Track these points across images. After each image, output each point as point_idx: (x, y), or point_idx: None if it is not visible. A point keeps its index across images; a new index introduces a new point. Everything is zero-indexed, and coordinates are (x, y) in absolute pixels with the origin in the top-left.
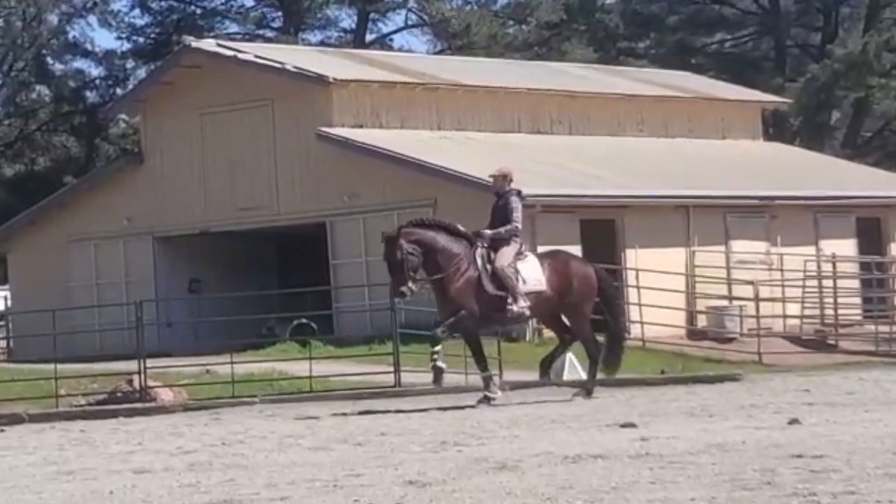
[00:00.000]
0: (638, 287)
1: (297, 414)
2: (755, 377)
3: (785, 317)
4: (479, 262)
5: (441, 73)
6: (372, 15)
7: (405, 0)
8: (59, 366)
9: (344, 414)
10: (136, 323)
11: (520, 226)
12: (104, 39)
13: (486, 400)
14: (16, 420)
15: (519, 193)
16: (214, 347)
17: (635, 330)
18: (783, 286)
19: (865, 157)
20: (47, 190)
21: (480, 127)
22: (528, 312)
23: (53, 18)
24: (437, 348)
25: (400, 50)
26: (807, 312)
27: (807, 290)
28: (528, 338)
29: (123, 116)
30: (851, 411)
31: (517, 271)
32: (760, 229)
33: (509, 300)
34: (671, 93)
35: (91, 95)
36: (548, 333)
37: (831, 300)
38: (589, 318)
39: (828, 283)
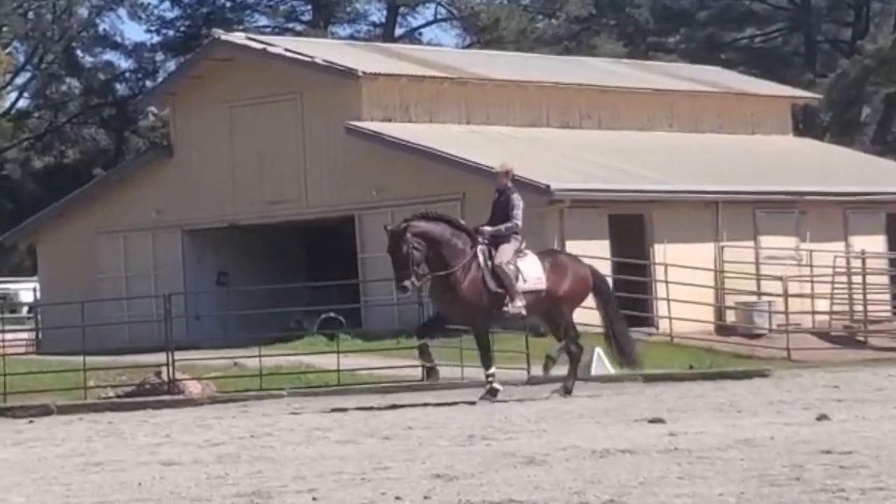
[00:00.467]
0: (666, 282)
1: (325, 407)
2: (784, 373)
3: (814, 313)
4: (480, 259)
5: (470, 68)
6: (401, 9)
7: None
8: (88, 358)
9: (371, 407)
10: (164, 315)
11: (520, 223)
12: (134, 32)
13: (493, 394)
14: (44, 411)
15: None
16: (242, 340)
17: (664, 325)
18: (812, 282)
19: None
20: (77, 182)
21: (509, 121)
22: (524, 312)
23: (83, 11)
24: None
25: (429, 44)
26: (836, 308)
27: (836, 286)
28: None
29: (153, 109)
30: (880, 407)
31: (518, 269)
32: (790, 225)
33: (506, 299)
34: (701, 88)
35: (121, 88)
36: None
37: (860, 296)
38: (572, 317)
39: (857, 279)
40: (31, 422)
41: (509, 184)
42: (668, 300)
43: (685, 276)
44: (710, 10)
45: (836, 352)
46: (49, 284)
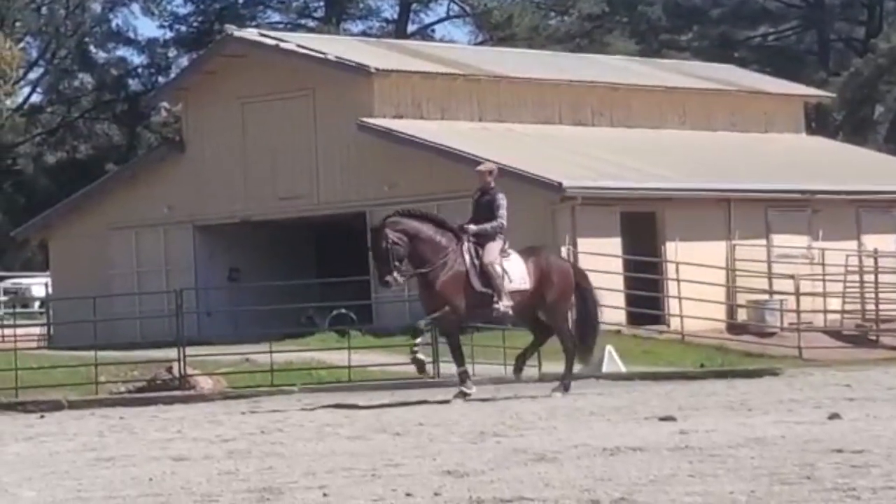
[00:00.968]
0: (678, 280)
1: (336, 403)
2: (795, 372)
3: (826, 311)
4: (466, 257)
5: (482, 65)
6: (414, 5)
7: None
8: (99, 353)
9: (382, 404)
10: (175, 311)
11: (505, 223)
12: (147, 28)
13: (462, 395)
14: (56, 406)
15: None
16: (254, 336)
17: (675, 323)
18: (824, 281)
19: None
20: (89, 178)
21: (521, 119)
22: (511, 311)
23: (96, 6)
24: (418, 340)
25: (441, 41)
26: (848, 307)
27: (848, 284)
28: None
29: (165, 105)
30: (892, 406)
31: (504, 269)
32: (802, 223)
33: (495, 298)
34: (713, 86)
35: (133, 84)
36: None
37: (872, 295)
38: (567, 315)
39: (869, 278)
40: (42, 416)
41: (493, 183)
42: (680, 298)
43: (697, 275)
44: (723, 7)
45: (848, 350)
46: (61, 279)
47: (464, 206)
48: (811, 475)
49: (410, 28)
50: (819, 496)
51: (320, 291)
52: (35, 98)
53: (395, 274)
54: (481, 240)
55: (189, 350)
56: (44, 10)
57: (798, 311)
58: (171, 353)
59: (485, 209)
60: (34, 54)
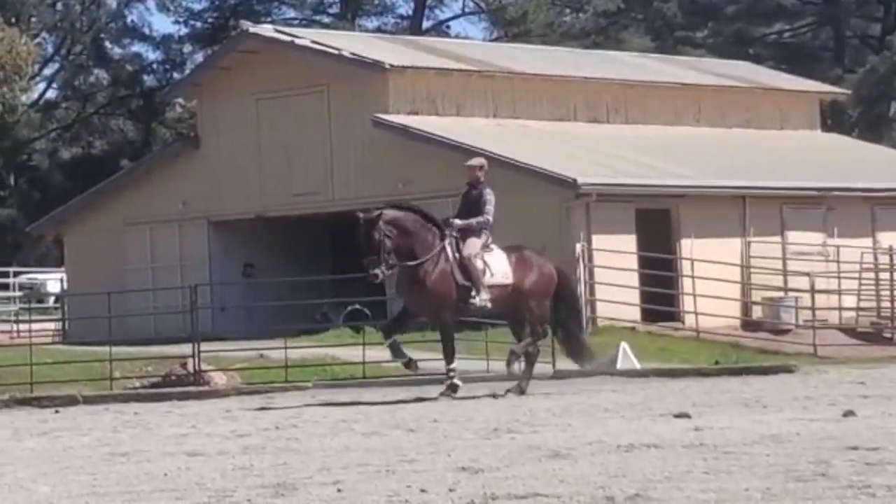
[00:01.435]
0: (693, 277)
1: (350, 399)
2: (810, 369)
3: (841, 309)
4: (448, 251)
5: (497, 61)
6: (429, 2)
7: None
8: (114, 348)
9: (397, 400)
10: (190, 307)
11: (491, 219)
12: (162, 24)
13: (451, 390)
14: (70, 402)
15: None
16: (268, 332)
17: (690, 320)
18: (839, 278)
19: None
20: (104, 173)
21: (536, 115)
22: (489, 305)
23: (112, 2)
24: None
25: (456, 37)
26: (863, 305)
27: (863, 282)
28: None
29: (180, 101)
30: None
31: (485, 263)
32: (817, 221)
33: (473, 292)
34: (729, 82)
35: (148, 79)
36: (601, 323)
37: (888, 293)
38: (544, 317)
39: (884, 275)
40: (57, 412)
41: (482, 178)
42: (695, 295)
43: (712, 272)
44: (739, 4)
45: (863, 348)
46: (76, 275)
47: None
48: (826, 472)
49: (425, 24)
50: (834, 493)
51: (334, 287)
52: (50, 94)
53: (383, 267)
54: (465, 234)
55: (203, 346)
56: (59, 5)
57: (813, 309)
58: (186, 348)
59: (472, 204)
60: (49, 50)
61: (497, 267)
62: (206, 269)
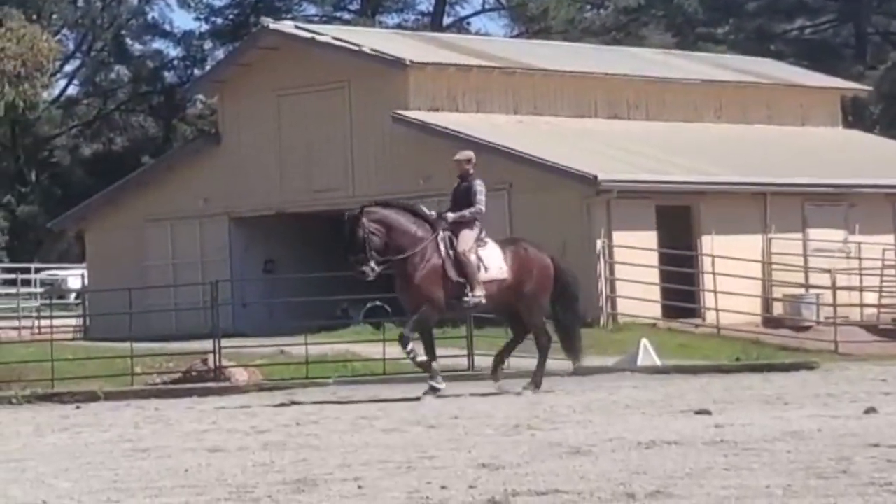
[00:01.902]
0: (714, 274)
1: (370, 396)
2: (831, 366)
3: (862, 306)
4: (441, 247)
5: (518, 57)
6: None
7: None
8: (135, 344)
9: (417, 397)
10: (211, 303)
11: (483, 209)
12: (183, 20)
13: (433, 391)
14: (91, 398)
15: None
16: (288, 328)
17: (711, 317)
18: (861, 275)
19: None
20: (125, 169)
21: (557, 111)
22: (484, 301)
23: None
24: (410, 347)
25: (477, 33)
26: (884, 301)
27: (885, 279)
28: (601, 322)
29: (201, 97)
30: None
31: (479, 258)
32: (838, 217)
33: (467, 288)
34: (750, 79)
35: (169, 76)
36: (622, 319)
37: None
38: (544, 310)
39: None
40: (78, 407)
41: (471, 171)
42: (716, 292)
43: (733, 268)
44: (760, 1)
45: (885, 345)
46: (97, 271)
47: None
48: (847, 469)
49: (446, 21)
50: (855, 490)
51: (355, 284)
52: (71, 90)
53: (372, 264)
54: (457, 228)
55: (224, 342)
56: (80, 2)
57: (834, 306)
58: (207, 344)
59: (463, 196)
60: (71, 47)
61: (491, 261)
62: (226, 265)
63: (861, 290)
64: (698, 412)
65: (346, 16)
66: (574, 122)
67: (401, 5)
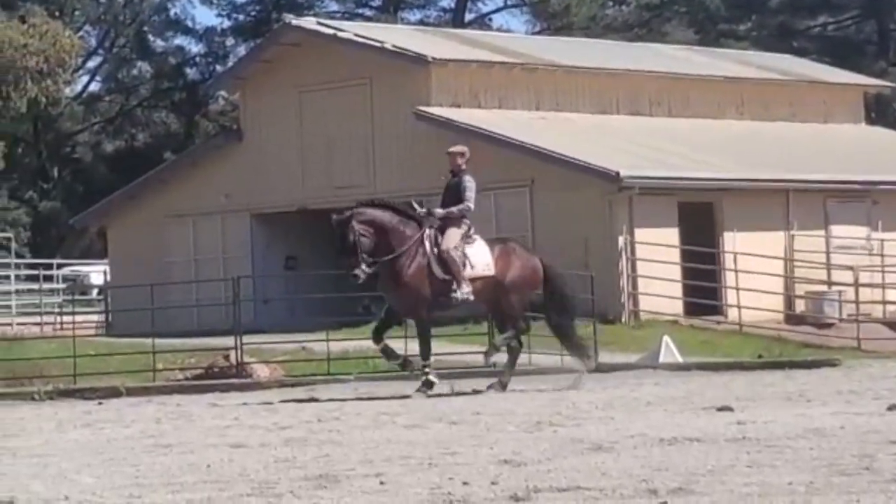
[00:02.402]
0: (736, 271)
1: (392, 392)
2: (854, 363)
3: (885, 303)
4: (427, 245)
5: (540, 54)
6: None
7: None
8: (157, 340)
9: (439, 393)
10: (232, 299)
11: (472, 206)
12: (205, 16)
13: (428, 386)
14: (113, 393)
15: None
16: (310, 325)
17: (733, 314)
18: (883, 272)
19: None
20: (147, 166)
21: (578, 108)
22: (471, 297)
23: None
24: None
25: (499, 30)
26: None
27: None
28: (623, 319)
29: (223, 93)
30: None
31: (465, 255)
32: (861, 214)
33: (454, 285)
34: (772, 75)
35: (191, 72)
36: (644, 316)
37: None
38: (525, 305)
39: None
40: (100, 403)
41: (463, 165)
42: (738, 289)
43: (755, 265)
44: None
45: None
46: (119, 267)
47: (520, 196)
48: (870, 466)
49: (468, 17)
50: (878, 487)
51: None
52: (94, 87)
53: (364, 266)
54: (444, 225)
55: (246, 338)
56: None
57: (857, 302)
58: (229, 340)
59: (453, 192)
60: (93, 43)
61: (477, 258)
62: (248, 261)
63: (884, 286)
64: (720, 409)
65: (368, 12)
66: (596, 118)
67: (423, 2)
